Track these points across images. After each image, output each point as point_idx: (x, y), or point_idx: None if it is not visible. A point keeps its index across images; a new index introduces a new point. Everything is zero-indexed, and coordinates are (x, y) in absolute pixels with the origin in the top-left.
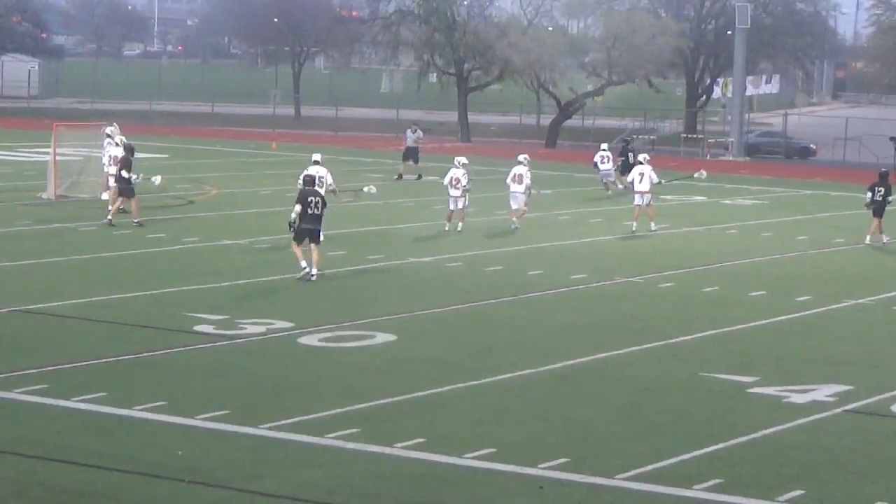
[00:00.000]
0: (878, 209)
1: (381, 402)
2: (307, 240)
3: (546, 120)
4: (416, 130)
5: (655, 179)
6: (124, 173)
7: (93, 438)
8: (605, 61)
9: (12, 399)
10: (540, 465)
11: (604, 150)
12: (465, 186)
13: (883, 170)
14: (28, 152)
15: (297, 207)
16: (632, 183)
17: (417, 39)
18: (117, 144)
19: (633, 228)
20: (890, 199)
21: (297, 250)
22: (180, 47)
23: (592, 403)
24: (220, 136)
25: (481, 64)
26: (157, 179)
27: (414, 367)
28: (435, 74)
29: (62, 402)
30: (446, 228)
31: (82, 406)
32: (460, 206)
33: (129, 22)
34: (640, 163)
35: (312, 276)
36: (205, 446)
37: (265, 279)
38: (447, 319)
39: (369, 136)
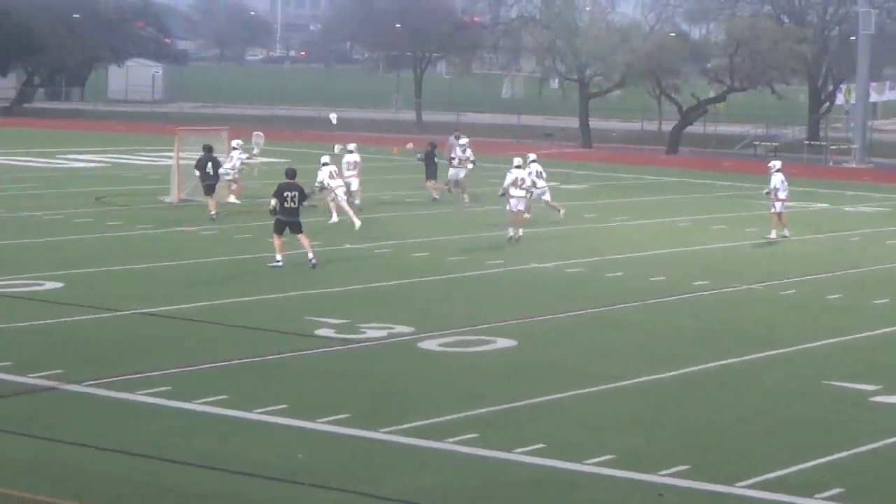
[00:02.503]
0: None
1: (501, 407)
2: (288, 230)
3: (668, 126)
4: (459, 137)
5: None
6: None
7: (213, 441)
8: (727, 67)
9: (134, 401)
10: (660, 472)
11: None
12: (528, 188)
13: None
14: (151, 156)
15: (273, 201)
16: (775, 191)
17: (539, 45)
18: (252, 154)
19: (773, 235)
20: None
21: (277, 242)
22: (303, 52)
23: (714, 410)
24: (341, 140)
25: (603, 69)
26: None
27: (534, 373)
28: (556, 80)
29: (184, 405)
30: (515, 234)
31: (203, 408)
32: (521, 207)
33: (252, 27)
34: (779, 170)
35: (313, 263)
36: (324, 449)
37: (385, 284)
38: (568, 325)
39: (490, 141)
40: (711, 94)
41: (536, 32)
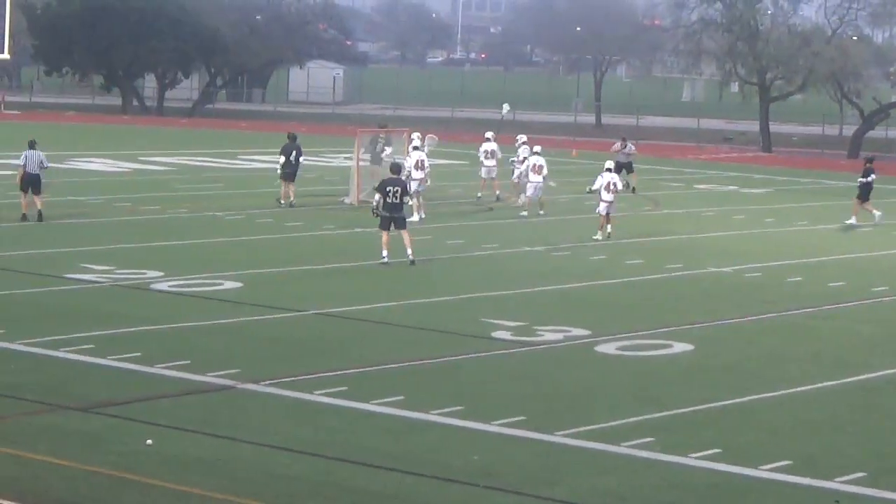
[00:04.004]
0: None
1: (677, 411)
2: (393, 227)
3: (849, 130)
4: (625, 143)
5: None
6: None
7: (389, 441)
8: None
9: (312, 400)
10: (836, 479)
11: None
12: (620, 190)
13: None
14: (332, 157)
15: (377, 196)
16: None
17: (719, 48)
18: (416, 148)
19: None
20: None
21: (385, 238)
22: (483, 55)
23: (893, 417)
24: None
25: (784, 73)
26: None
27: (711, 377)
28: (737, 84)
29: (360, 405)
30: (598, 237)
31: (380, 409)
32: (611, 211)
33: (433, 29)
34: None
35: (411, 260)
36: (499, 452)
37: (563, 287)
38: (745, 329)
39: (669, 144)
40: (894, 99)
41: (717, 36)
